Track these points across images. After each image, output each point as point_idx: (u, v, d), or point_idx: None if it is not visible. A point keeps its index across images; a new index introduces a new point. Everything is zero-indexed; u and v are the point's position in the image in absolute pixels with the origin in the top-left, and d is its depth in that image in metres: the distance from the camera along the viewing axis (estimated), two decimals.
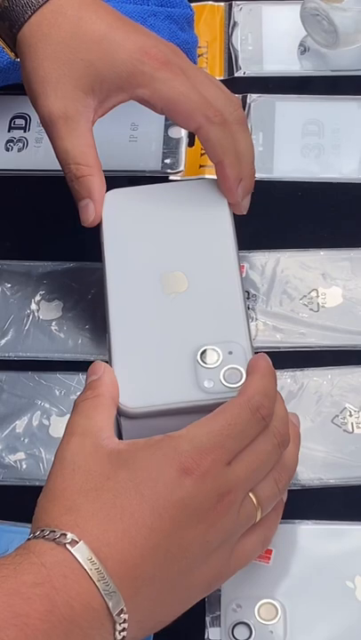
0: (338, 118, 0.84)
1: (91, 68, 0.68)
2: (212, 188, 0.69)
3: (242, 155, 0.69)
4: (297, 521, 0.65)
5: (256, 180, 0.78)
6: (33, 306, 0.75)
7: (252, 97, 0.85)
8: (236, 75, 0.87)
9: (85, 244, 0.71)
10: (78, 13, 0.69)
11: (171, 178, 0.82)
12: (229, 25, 0.90)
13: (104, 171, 0.70)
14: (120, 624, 0.52)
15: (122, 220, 0.68)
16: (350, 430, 0.68)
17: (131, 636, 0.54)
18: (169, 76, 0.68)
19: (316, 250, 0.76)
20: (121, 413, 0.60)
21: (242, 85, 0.87)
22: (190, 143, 0.83)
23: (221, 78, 0.87)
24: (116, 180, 0.71)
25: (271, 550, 0.63)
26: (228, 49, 0.89)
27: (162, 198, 0.69)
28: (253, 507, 0.58)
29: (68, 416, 0.58)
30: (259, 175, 0.80)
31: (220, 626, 0.62)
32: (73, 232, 0.70)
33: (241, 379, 0.60)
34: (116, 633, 0.53)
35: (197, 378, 0.60)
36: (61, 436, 0.58)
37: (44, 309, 0.75)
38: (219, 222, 0.68)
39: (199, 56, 0.88)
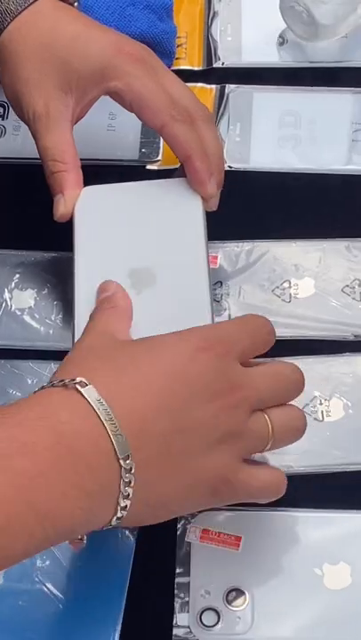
0: (315, 110, 0.84)
1: (67, 65, 0.70)
2: (186, 186, 0.70)
3: (209, 150, 0.70)
4: (266, 508, 0.65)
5: (232, 171, 0.80)
6: (6, 294, 0.75)
7: (230, 87, 0.86)
8: (214, 65, 0.88)
9: (61, 235, 0.71)
10: (55, 15, 0.72)
11: (148, 167, 0.82)
12: (209, 15, 0.91)
13: (82, 159, 0.71)
14: (127, 473, 0.52)
15: (95, 216, 0.69)
16: (320, 419, 0.68)
17: (136, 502, 0.54)
18: (141, 72, 0.70)
19: (290, 241, 0.76)
20: None
21: (220, 76, 0.87)
22: None
23: (200, 68, 0.88)
24: (93, 169, 0.72)
25: (240, 537, 0.64)
26: (208, 39, 0.89)
27: (136, 196, 0.70)
28: (266, 425, 0.58)
29: None
30: (235, 165, 0.81)
31: (188, 612, 0.62)
32: (49, 222, 0.71)
33: None
34: (122, 483, 0.53)
35: None
36: None
37: (17, 298, 0.75)
38: (190, 220, 0.68)
39: (178, 46, 0.88)
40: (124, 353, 0.57)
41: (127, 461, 0.52)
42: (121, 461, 0.52)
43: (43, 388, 0.55)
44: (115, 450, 0.52)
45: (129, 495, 0.53)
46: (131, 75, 0.70)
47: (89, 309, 0.64)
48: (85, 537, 0.56)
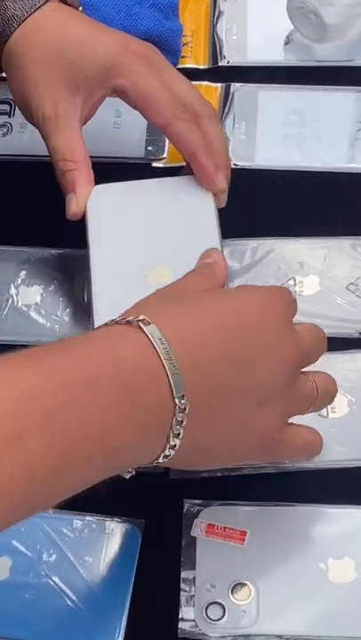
0: (319, 108, 0.84)
1: (75, 66, 0.71)
2: (196, 183, 0.70)
3: (214, 146, 0.70)
4: (271, 503, 0.66)
5: (238, 169, 0.80)
6: (12, 290, 0.75)
7: (235, 86, 0.86)
8: (220, 64, 0.88)
9: (68, 231, 0.72)
10: (61, 19, 0.72)
11: (154, 165, 0.82)
12: (214, 14, 0.91)
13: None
14: (180, 413, 0.54)
15: (107, 213, 0.70)
16: (325, 415, 0.69)
17: (185, 443, 0.55)
18: (146, 70, 0.71)
19: (295, 238, 0.77)
20: None
21: (226, 74, 0.87)
22: None
23: (205, 67, 0.88)
24: (98, 167, 0.72)
25: (245, 532, 0.65)
26: (213, 38, 0.90)
27: (148, 193, 0.71)
28: (313, 387, 0.61)
29: None
30: (240, 164, 0.81)
31: (193, 605, 0.63)
32: (56, 218, 0.71)
33: None
34: (175, 421, 0.54)
35: None
36: None
37: (24, 294, 0.75)
38: (203, 216, 0.69)
39: (184, 45, 0.88)
40: (191, 301, 0.58)
41: (182, 401, 0.54)
42: (176, 400, 0.53)
43: (106, 324, 0.56)
44: (171, 388, 0.53)
45: (179, 435, 0.54)
46: (136, 73, 0.70)
47: (107, 307, 0.65)
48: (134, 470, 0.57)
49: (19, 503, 0.49)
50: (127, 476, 0.57)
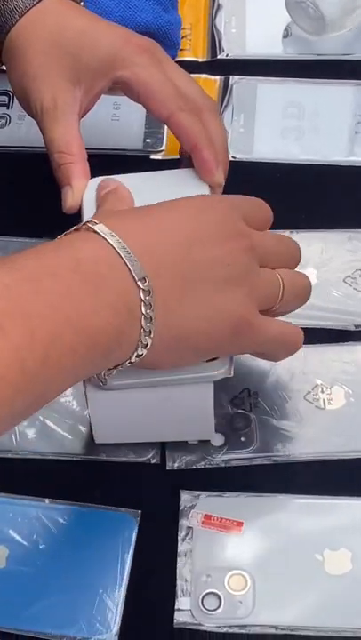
0: (318, 102, 0.85)
1: (76, 58, 0.71)
2: (193, 176, 0.70)
3: (215, 140, 0.70)
4: (268, 494, 0.66)
5: (236, 161, 0.80)
6: None
7: (234, 79, 0.86)
8: (218, 57, 0.88)
9: (63, 222, 0.71)
10: (62, 11, 0.72)
11: (152, 157, 0.83)
12: (213, 7, 0.91)
13: (86, 149, 0.71)
14: (147, 296, 0.56)
15: None
16: (322, 407, 0.69)
17: (159, 330, 0.56)
18: (148, 62, 0.71)
19: (292, 231, 0.77)
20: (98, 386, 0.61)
21: (224, 67, 0.88)
22: None
23: (204, 60, 0.88)
24: (97, 159, 0.72)
25: (242, 522, 0.65)
26: (212, 31, 0.90)
27: (144, 186, 0.70)
28: (276, 277, 0.63)
29: None
30: (238, 156, 0.81)
31: (190, 595, 0.63)
32: (52, 210, 0.71)
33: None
34: (143, 306, 0.56)
35: None
36: None
37: None
38: None
39: (183, 37, 0.88)
40: (134, 209, 0.63)
41: (145, 284, 0.56)
42: (139, 283, 0.56)
43: (58, 237, 0.59)
44: (131, 273, 0.55)
45: (152, 319, 0.56)
46: (138, 65, 0.70)
47: None
48: None
49: (17, 397, 0.51)
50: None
